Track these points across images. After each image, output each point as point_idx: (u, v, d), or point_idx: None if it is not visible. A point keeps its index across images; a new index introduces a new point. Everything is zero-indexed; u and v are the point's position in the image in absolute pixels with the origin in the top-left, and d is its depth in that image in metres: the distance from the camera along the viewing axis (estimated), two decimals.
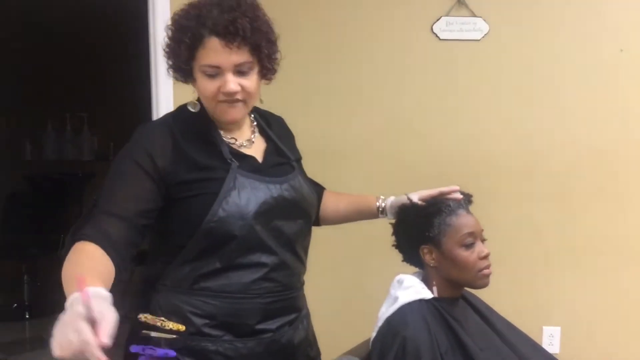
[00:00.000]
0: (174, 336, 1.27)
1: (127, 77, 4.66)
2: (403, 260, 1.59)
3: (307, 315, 1.53)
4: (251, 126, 1.47)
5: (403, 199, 1.55)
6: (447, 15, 2.66)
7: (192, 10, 1.29)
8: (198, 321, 1.32)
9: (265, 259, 1.35)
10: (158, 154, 1.31)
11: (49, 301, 4.71)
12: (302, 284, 1.50)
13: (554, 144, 2.68)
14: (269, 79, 1.41)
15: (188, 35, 1.27)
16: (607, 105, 2.67)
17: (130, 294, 1.44)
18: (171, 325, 1.27)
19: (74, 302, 1.04)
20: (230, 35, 1.25)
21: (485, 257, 1.47)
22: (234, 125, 1.41)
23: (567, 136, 2.67)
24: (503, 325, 1.57)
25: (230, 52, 1.26)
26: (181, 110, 1.43)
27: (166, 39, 1.34)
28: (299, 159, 1.54)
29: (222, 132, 1.39)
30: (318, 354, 1.57)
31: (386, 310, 1.47)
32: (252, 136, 1.45)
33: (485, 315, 1.57)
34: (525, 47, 2.67)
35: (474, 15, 2.65)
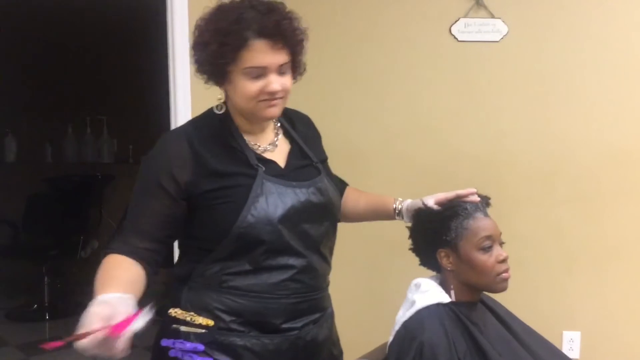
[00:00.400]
0: (203, 330, 1.32)
1: (146, 80, 4.70)
2: (420, 264, 1.58)
3: (332, 315, 1.54)
4: (275, 129, 1.48)
5: (418, 203, 1.54)
6: (465, 16, 2.64)
7: (230, 14, 1.30)
8: (226, 317, 1.36)
9: (293, 261, 1.37)
10: (178, 170, 1.33)
11: (69, 302, 4.81)
12: (328, 284, 1.51)
13: (576, 146, 2.65)
14: (298, 79, 1.44)
15: (231, 38, 1.28)
16: (629, 106, 2.63)
17: (159, 293, 1.47)
18: (200, 320, 1.32)
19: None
20: (276, 36, 1.29)
21: (504, 260, 1.45)
22: (258, 129, 1.43)
23: (589, 138, 2.64)
24: (522, 330, 1.56)
25: (275, 53, 1.30)
26: (204, 116, 1.46)
27: (200, 43, 1.34)
28: (324, 160, 1.55)
29: (246, 138, 1.41)
30: (340, 353, 1.58)
31: (403, 314, 1.46)
32: (276, 139, 1.46)
33: (505, 320, 1.55)
34: (544, 48, 2.64)
35: (493, 17, 2.63)
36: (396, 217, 1.60)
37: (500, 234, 1.48)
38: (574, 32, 2.63)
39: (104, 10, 4.70)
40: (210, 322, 1.32)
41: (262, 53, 1.29)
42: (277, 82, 1.32)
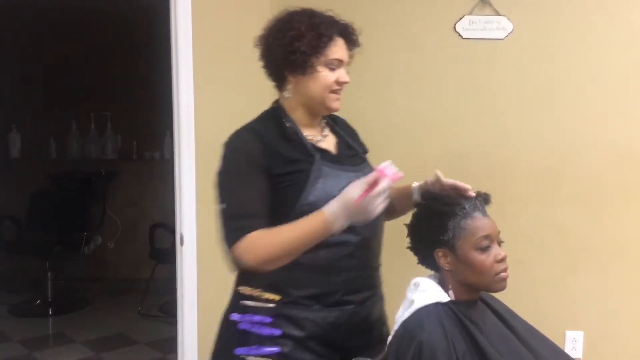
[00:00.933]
0: (271, 305, 1.47)
1: (149, 76, 4.71)
2: (418, 263, 1.57)
3: (382, 297, 1.70)
4: (321, 124, 1.68)
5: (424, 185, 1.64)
6: (470, 14, 2.63)
7: (319, 14, 1.58)
8: (292, 292, 1.53)
9: (350, 238, 1.53)
10: (256, 155, 1.53)
11: (73, 298, 4.82)
12: (379, 264, 1.67)
13: (579, 145, 2.64)
14: None
15: (325, 31, 1.54)
16: (635, 105, 2.61)
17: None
18: (267, 295, 1.46)
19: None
20: (350, 37, 1.60)
21: (502, 260, 1.44)
22: (313, 122, 1.64)
23: (593, 137, 2.63)
24: (524, 329, 1.54)
25: (347, 50, 1.59)
26: (262, 115, 1.66)
27: (295, 35, 1.53)
28: (366, 152, 1.76)
29: (302, 130, 1.61)
30: (387, 334, 1.65)
31: (402, 314, 1.46)
32: (325, 131, 1.68)
33: (505, 318, 1.54)
34: (550, 45, 2.63)
35: (498, 14, 2.62)
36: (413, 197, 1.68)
37: (499, 232, 1.47)
38: (579, 30, 2.62)
39: (109, 8, 4.71)
40: (277, 297, 1.46)
41: (342, 49, 1.57)
42: (347, 75, 1.59)
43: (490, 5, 2.61)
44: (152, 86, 4.60)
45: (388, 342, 1.45)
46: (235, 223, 1.51)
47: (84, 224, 4.86)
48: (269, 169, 1.52)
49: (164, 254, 4.29)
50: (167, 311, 4.30)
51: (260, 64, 1.64)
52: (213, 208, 2.83)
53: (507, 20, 2.62)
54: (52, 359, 3.61)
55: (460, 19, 2.63)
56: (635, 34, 2.60)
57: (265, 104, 2.99)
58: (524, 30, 2.62)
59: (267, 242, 1.48)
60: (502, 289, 1.45)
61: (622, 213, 2.63)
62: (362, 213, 1.43)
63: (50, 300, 4.60)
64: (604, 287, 2.66)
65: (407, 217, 1.58)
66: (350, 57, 1.61)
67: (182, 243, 2.63)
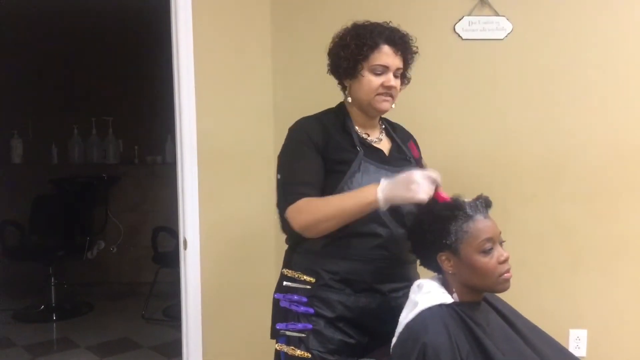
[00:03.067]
0: (307, 286, 1.68)
1: (151, 81, 4.72)
2: (421, 265, 1.57)
3: None
4: (380, 128, 1.85)
5: None
6: (469, 14, 2.63)
7: (368, 26, 1.75)
8: (326, 276, 1.68)
9: (379, 230, 1.66)
10: (316, 137, 1.70)
11: (76, 303, 4.82)
12: (414, 260, 1.72)
13: (581, 143, 2.64)
14: (404, 87, 1.83)
15: (368, 41, 1.69)
16: (636, 103, 2.61)
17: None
18: (305, 277, 1.69)
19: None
20: (398, 45, 1.72)
21: (505, 261, 1.45)
22: (370, 123, 1.81)
23: (594, 135, 2.63)
24: (528, 328, 1.55)
25: (395, 57, 1.72)
26: (326, 110, 1.82)
27: (341, 44, 1.74)
28: (418, 158, 1.90)
29: (358, 129, 1.78)
30: None
31: (406, 316, 1.46)
32: (381, 135, 1.83)
33: (509, 318, 1.54)
34: (549, 45, 2.63)
35: (497, 15, 2.62)
36: None
37: (500, 233, 1.47)
38: (578, 29, 2.62)
39: (111, 13, 4.72)
40: (312, 280, 1.67)
41: (387, 55, 1.71)
42: (393, 80, 1.72)
43: (490, 5, 2.62)
44: (153, 90, 4.62)
45: (392, 344, 1.46)
46: (290, 189, 1.67)
47: (87, 228, 4.86)
48: (325, 152, 1.69)
49: (166, 258, 4.29)
50: (171, 315, 4.31)
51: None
52: (216, 211, 2.85)
53: (507, 20, 2.62)
54: None
55: (460, 19, 2.64)
56: (636, 32, 2.60)
57: (265, 108, 3.02)
58: (523, 31, 2.63)
59: (315, 206, 1.62)
60: (506, 289, 1.46)
61: (625, 211, 2.63)
62: (408, 188, 1.51)
63: (54, 305, 4.60)
64: (608, 285, 2.66)
65: None
66: (406, 61, 1.76)
67: (185, 247, 2.63)
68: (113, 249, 5.31)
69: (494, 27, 2.62)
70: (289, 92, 2.77)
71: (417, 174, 1.53)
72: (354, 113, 1.79)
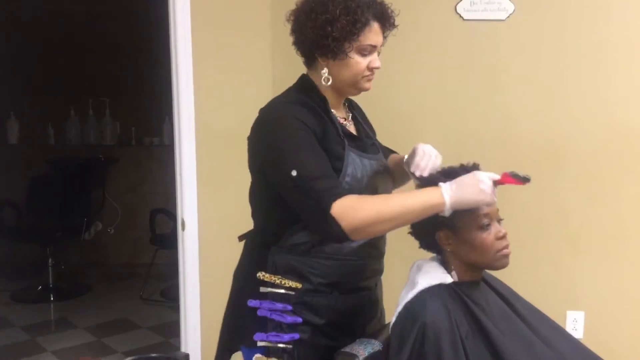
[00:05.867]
0: (292, 292, 1.49)
1: (147, 62, 4.68)
2: (420, 247, 1.57)
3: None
4: (345, 106, 1.66)
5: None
6: None
7: None
8: (314, 279, 1.51)
9: None
10: (313, 126, 1.46)
11: (74, 284, 4.83)
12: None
13: (581, 126, 2.63)
14: None
15: (359, 16, 1.45)
16: (637, 87, 2.60)
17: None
18: (290, 283, 1.49)
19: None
20: (386, 21, 1.52)
21: (503, 237, 1.45)
22: (338, 102, 1.60)
23: (594, 118, 2.62)
24: (526, 309, 1.55)
25: (381, 35, 1.52)
26: (299, 87, 1.58)
27: (328, 19, 1.45)
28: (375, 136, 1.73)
29: (334, 112, 1.57)
30: (383, 310, 1.76)
31: (405, 295, 1.46)
32: (349, 115, 1.65)
33: (508, 299, 1.55)
34: (551, 26, 2.61)
35: None
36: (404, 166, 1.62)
37: (498, 210, 1.47)
38: (581, 10, 2.59)
39: None
40: (299, 285, 1.49)
41: (376, 34, 1.50)
42: (378, 60, 1.52)
43: None
44: (150, 71, 4.58)
45: (391, 324, 1.46)
46: (319, 184, 1.39)
47: (84, 209, 4.85)
48: (321, 142, 1.47)
49: (164, 240, 4.29)
50: (169, 296, 4.32)
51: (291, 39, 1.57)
52: (214, 192, 2.84)
53: (509, 1, 2.59)
54: (54, 345, 3.62)
55: (461, 0, 2.61)
56: (638, 14, 2.57)
57: (264, 88, 2.99)
58: (525, 11, 2.60)
59: (373, 203, 1.39)
60: (505, 265, 1.46)
61: (623, 193, 2.63)
62: (479, 190, 1.36)
63: (51, 286, 4.60)
64: (605, 268, 2.67)
65: None
66: (385, 38, 1.54)
67: (183, 228, 2.63)
68: (110, 230, 5.30)
69: (496, 7, 2.60)
70: (289, 73, 2.74)
71: (482, 174, 1.38)
72: (328, 94, 1.56)
